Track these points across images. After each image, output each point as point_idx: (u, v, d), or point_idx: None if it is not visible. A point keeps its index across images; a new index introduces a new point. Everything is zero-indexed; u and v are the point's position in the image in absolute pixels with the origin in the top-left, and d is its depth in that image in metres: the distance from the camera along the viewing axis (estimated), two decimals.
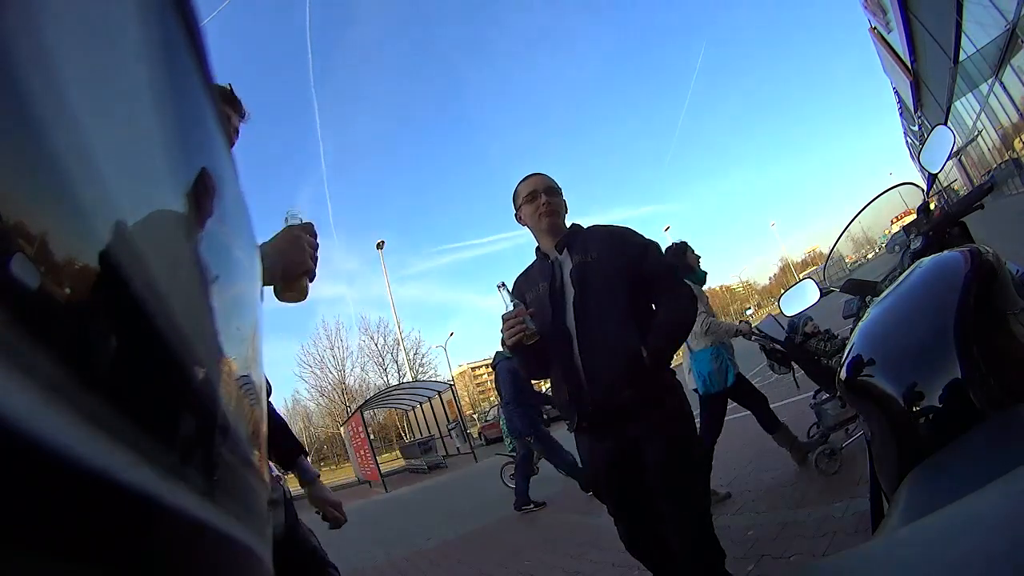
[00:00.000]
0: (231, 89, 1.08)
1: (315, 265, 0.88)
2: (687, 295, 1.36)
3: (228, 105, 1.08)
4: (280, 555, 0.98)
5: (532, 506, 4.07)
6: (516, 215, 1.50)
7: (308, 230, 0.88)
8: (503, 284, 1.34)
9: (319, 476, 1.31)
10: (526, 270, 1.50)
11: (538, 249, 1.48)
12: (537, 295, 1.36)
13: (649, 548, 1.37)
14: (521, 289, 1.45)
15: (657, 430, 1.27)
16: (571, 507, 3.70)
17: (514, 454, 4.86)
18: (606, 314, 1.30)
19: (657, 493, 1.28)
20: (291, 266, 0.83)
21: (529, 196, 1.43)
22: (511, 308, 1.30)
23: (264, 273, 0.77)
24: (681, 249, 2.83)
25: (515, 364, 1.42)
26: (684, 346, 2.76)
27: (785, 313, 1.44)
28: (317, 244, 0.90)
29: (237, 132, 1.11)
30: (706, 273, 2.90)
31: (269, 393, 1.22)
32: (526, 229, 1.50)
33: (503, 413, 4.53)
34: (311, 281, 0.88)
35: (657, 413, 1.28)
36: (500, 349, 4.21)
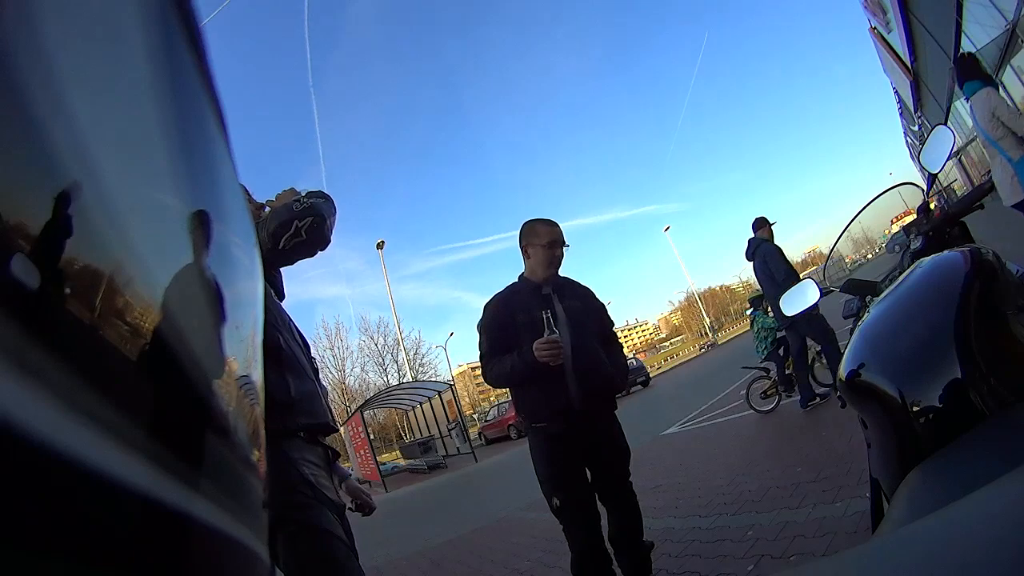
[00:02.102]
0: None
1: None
2: (622, 348, 1.92)
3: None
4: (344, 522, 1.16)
5: (818, 399, 3.68)
6: (524, 246, 1.79)
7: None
8: (548, 312, 1.61)
9: (351, 475, 1.55)
10: (510, 292, 1.79)
11: (527, 279, 1.80)
12: (531, 317, 1.66)
13: (598, 557, 1.66)
14: (511, 307, 1.72)
15: (615, 433, 1.76)
16: None
17: (767, 363, 4.49)
18: (594, 345, 1.73)
19: (612, 477, 1.73)
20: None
21: (551, 243, 1.74)
22: (554, 333, 1.59)
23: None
24: (971, 60, 3.01)
25: (507, 368, 1.66)
26: (1003, 159, 2.91)
27: (785, 313, 1.43)
28: None
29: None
30: (991, 77, 3.08)
31: (325, 394, 1.36)
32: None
33: (771, 302, 3.97)
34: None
35: (614, 419, 1.78)
36: (752, 236, 4.05)
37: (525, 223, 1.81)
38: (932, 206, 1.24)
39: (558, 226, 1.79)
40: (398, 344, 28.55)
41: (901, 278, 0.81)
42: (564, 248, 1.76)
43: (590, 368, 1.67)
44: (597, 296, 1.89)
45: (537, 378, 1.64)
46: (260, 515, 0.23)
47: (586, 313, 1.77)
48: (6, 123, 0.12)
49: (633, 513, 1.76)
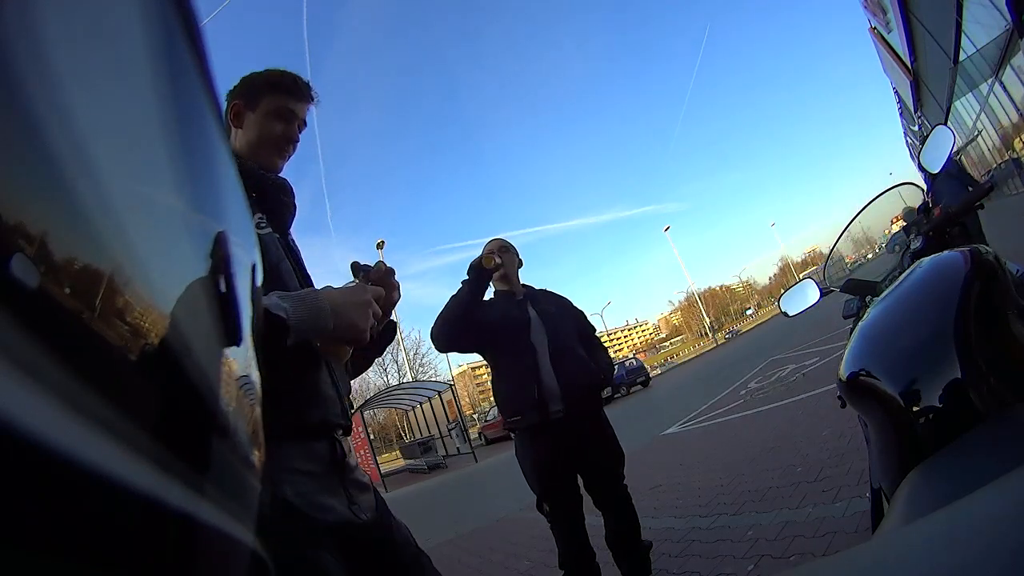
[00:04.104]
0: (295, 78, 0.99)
1: (371, 333, 0.81)
2: (606, 350, 2.03)
3: (289, 96, 0.98)
4: (378, 546, 0.88)
5: None
6: None
7: (377, 292, 0.83)
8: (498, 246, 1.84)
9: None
10: (486, 301, 1.85)
11: (498, 292, 1.90)
12: (504, 311, 1.80)
13: (584, 555, 1.71)
14: (483, 308, 1.77)
15: (605, 436, 1.80)
16: None
17: None
18: (573, 346, 1.81)
19: (603, 479, 1.78)
20: (344, 330, 0.77)
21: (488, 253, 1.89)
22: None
23: (312, 323, 0.72)
24: None
25: (450, 302, 1.72)
26: None
27: (788, 314, 1.43)
28: (384, 307, 0.85)
29: (303, 124, 1.02)
30: None
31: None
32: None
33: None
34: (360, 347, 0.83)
35: (600, 420, 1.82)
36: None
37: None
38: (932, 206, 1.24)
39: (495, 239, 1.94)
40: (398, 344, 28.52)
41: (901, 278, 0.80)
42: (507, 255, 1.85)
43: (570, 366, 1.75)
44: (574, 304, 2.00)
45: (511, 372, 1.75)
46: (262, 516, 0.23)
47: (563, 318, 1.88)
48: (6, 123, 0.12)
49: (629, 516, 1.80)
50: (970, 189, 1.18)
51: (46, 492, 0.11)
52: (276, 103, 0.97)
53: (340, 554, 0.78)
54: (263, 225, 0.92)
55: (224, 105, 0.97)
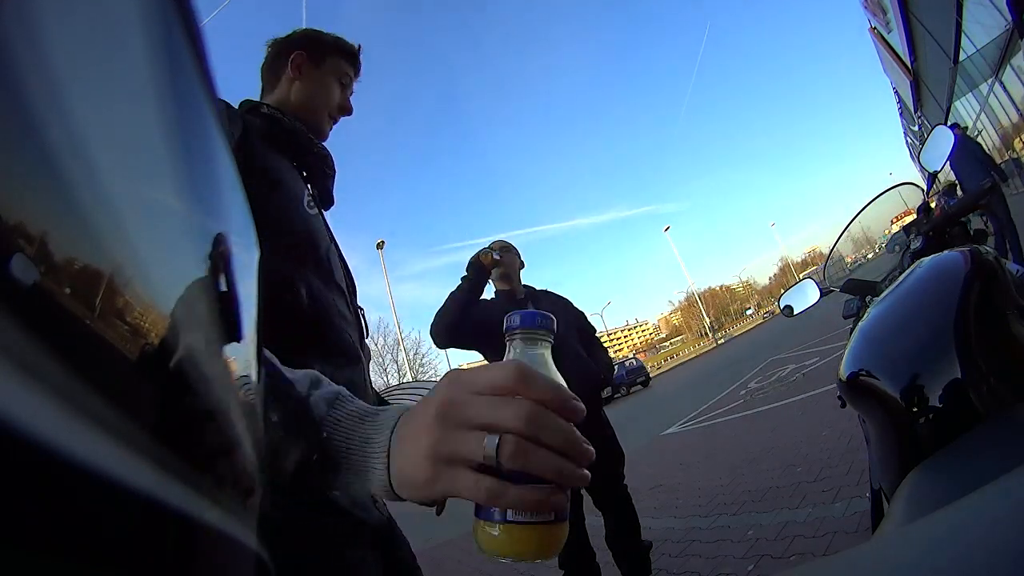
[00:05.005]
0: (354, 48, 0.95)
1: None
2: (606, 350, 2.08)
3: (341, 58, 0.93)
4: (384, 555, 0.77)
5: None
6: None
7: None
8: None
9: None
10: (487, 301, 1.89)
11: (499, 291, 1.94)
12: (504, 310, 1.74)
13: (584, 555, 1.74)
14: (484, 308, 1.82)
15: (605, 436, 1.82)
16: None
17: None
18: (573, 344, 1.87)
19: (603, 480, 1.77)
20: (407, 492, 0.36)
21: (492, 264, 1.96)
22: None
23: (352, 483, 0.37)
24: None
25: (448, 301, 1.73)
26: None
27: (788, 314, 1.43)
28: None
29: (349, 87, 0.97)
30: None
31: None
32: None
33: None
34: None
35: (600, 420, 1.85)
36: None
37: None
38: (932, 206, 1.24)
39: (497, 240, 1.99)
40: (398, 344, 28.46)
41: (901, 278, 0.80)
42: (507, 255, 1.89)
43: (571, 365, 1.77)
44: (575, 304, 2.05)
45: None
46: (264, 515, 0.23)
47: (563, 317, 1.90)
48: (6, 123, 0.12)
49: (629, 515, 1.82)
50: (992, 173, 1.19)
51: (46, 492, 0.11)
52: (342, 68, 0.94)
53: (376, 553, 0.72)
54: (312, 204, 0.84)
55: (278, 59, 0.92)
